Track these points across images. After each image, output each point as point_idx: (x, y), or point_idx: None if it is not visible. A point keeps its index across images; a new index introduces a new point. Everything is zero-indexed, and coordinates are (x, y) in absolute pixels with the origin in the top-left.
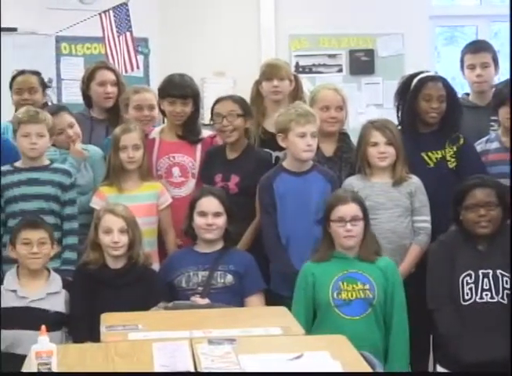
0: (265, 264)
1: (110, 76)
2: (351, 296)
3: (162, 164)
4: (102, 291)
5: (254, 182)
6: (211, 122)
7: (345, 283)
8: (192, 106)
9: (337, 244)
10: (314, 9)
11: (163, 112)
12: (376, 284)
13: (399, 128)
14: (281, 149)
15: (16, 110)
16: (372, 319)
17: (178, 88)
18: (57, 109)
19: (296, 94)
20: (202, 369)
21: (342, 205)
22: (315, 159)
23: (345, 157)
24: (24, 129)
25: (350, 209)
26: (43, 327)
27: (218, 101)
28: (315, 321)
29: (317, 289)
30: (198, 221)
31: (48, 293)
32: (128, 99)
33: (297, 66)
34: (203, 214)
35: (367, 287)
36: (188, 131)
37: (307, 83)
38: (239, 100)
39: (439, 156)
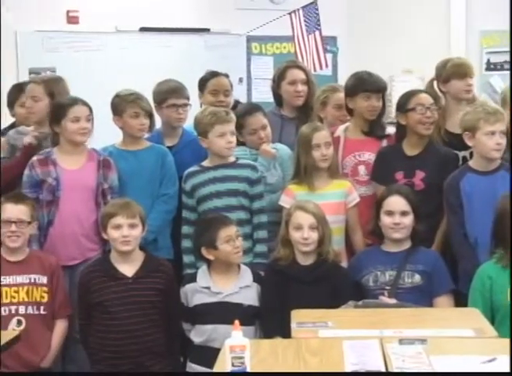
0: (453, 264)
1: (301, 75)
2: None
3: (348, 163)
4: (292, 286)
5: (440, 178)
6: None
7: None
8: (382, 102)
9: None
10: (506, 4)
11: (350, 110)
12: None
13: None
14: (466, 149)
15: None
16: None
17: (374, 83)
18: (252, 108)
19: None
20: (393, 368)
21: None
22: (506, 158)
23: None
24: (220, 129)
25: None
26: (236, 321)
27: (415, 93)
28: (494, 324)
29: (494, 292)
30: (385, 220)
31: (241, 287)
32: (326, 98)
33: (488, 63)
34: (390, 213)
35: None
36: (375, 126)
37: (498, 80)
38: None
39: None
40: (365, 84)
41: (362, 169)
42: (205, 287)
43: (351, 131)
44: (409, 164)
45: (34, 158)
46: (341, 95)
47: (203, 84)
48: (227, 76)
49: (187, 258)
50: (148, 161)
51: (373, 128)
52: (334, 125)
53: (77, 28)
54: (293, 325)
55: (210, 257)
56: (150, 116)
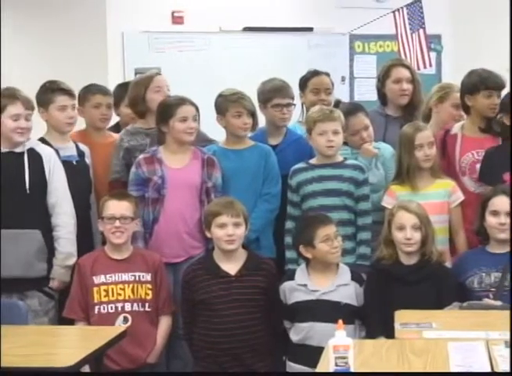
0: None
1: (406, 73)
2: None
3: (465, 161)
4: (396, 286)
5: None
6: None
7: None
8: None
9: None
10: None
11: (467, 108)
12: None
13: None
14: None
15: (307, 110)
16: None
17: (496, 81)
18: (354, 109)
19: None
20: (499, 371)
21: None
22: None
23: None
24: (321, 127)
25: None
26: (340, 321)
27: None
28: None
29: None
30: (490, 220)
31: (338, 285)
32: (445, 94)
33: None
34: (495, 213)
35: None
36: (493, 123)
37: None
38: None
39: None
40: (488, 82)
41: (479, 168)
42: (302, 284)
43: (468, 130)
44: None
45: (141, 156)
46: (458, 95)
47: (304, 83)
48: (328, 75)
49: (289, 254)
50: (251, 160)
51: (491, 125)
52: (447, 123)
53: (181, 28)
54: (396, 326)
55: (308, 255)
56: (253, 115)
